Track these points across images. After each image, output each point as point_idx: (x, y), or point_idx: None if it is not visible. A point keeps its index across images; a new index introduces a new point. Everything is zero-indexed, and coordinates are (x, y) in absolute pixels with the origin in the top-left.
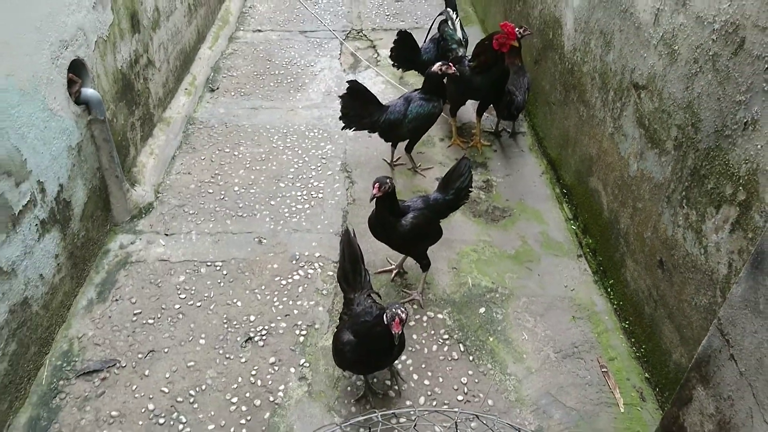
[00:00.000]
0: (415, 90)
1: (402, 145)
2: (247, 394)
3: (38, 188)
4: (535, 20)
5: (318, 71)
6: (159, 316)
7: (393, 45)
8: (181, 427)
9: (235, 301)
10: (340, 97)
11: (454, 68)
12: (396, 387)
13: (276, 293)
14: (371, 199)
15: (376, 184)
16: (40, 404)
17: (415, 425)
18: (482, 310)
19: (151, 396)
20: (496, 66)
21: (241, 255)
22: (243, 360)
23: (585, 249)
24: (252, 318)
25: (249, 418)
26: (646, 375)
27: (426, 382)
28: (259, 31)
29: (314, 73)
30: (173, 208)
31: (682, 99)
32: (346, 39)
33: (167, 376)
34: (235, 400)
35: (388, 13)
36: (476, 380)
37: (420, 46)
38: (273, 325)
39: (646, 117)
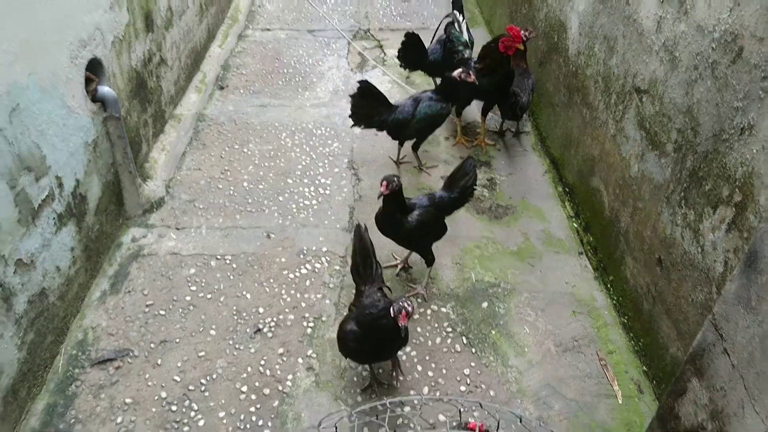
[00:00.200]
0: (425, 91)
1: (408, 144)
2: (257, 383)
3: (56, 183)
4: (541, 23)
5: (326, 70)
6: (170, 307)
7: (401, 46)
8: (192, 414)
9: (244, 293)
10: (350, 96)
11: (473, 77)
12: (395, 375)
13: (284, 286)
14: (379, 197)
15: (384, 182)
16: (57, 391)
17: (420, 413)
18: (485, 304)
19: (163, 384)
20: (501, 68)
21: (250, 249)
22: (252, 350)
23: (586, 246)
24: (261, 310)
25: (258, 406)
26: (644, 368)
27: (430, 373)
28: (268, 29)
29: (322, 72)
30: (184, 202)
31: (682, 104)
32: (353, 38)
33: (179, 365)
34: (245, 388)
35: (395, 13)
36: (478, 372)
37: (426, 47)
38: (281, 317)
39: (647, 120)
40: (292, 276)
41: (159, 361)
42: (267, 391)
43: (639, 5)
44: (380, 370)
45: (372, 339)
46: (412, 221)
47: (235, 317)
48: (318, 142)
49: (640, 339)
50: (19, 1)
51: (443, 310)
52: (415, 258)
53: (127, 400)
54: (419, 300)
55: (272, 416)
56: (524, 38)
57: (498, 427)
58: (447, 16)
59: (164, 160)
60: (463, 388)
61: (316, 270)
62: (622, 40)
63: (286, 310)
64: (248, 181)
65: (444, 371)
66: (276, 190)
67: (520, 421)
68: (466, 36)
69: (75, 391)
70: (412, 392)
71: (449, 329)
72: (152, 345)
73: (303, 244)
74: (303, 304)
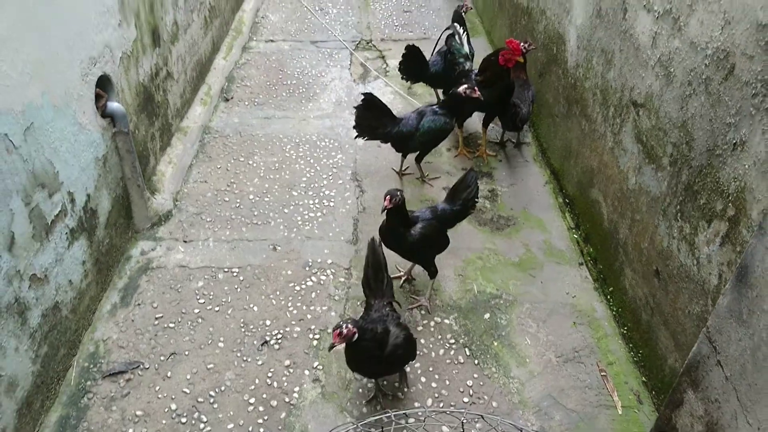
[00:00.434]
0: (429, 104)
1: (411, 155)
2: (264, 395)
3: (68, 198)
4: (540, 35)
5: (329, 81)
6: (179, 320)
7: (402, 58)
8: (202, 426)
9: (251, 306)
10: (354, 107)
11: (478, 93)
12: (400, 386)
13: (290, 298)
14: (383, 211)
15: (388, 197)
16: (70, 404)
17: (424, 425)
18: (487, 315)
19: (173, 396)
20: (501, 80)
21: (256, 261)
22: (260, 362)
23: (586, 257)
24: (268, 322)
25: (266, 417)
26: (643, 378)
27: (433, 384)
28: (272, 41)
29: (325, 83)
30: (191, 215)
31: (677, 118)
32: (356, 49)
33: (188, 377)
34: (252, 400)
35: (396, 24)
36: (481, 383)
37: (428, 58)
38: (288, 329)
39: (644, 133)
40: (298, 288)
41: (169, 374)
42: (274, 402)
43: (635, 21)
44: (384, 382)
45: (357, 353)
46: (415, 234)
47: (243, 329)
48: (322, 153)
49: (639, 350)
50: (34, 24)
51: (446, 321)
52: (418, 270)
53: (138, 412)
54: (423, 312)
55: (279, 428)
56: (524, 50)
57: None
58: (447, 28)
59: (171, 173)
60: (466, 400)
61: (322, 282)
62: (619, 54)
63: (293, 322)
64: (254, 193)
65: (447, 382)
66: (281, 203)
67: None
68: (466, 48)
69: (87, 404)
70: (416, 404)
71: (452, 341)
72: (162, 357)
73: (308, 257)
74: (309, 316)
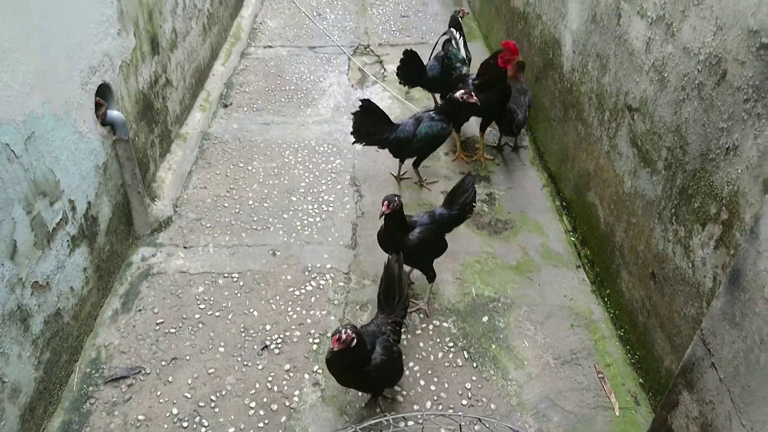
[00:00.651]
0: (427, 110)
1: (409, 160)
2: (265, 399)
3: (69, 206)
4: (536, 39)
5: (327, 87)
6: (180, 325)
7: (399, 64)
8: (203, 430)
9: (251, 311)
10: (352, 114)
11: (475, 98)
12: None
13: (290, 303)
14: (381, 216)
15: (385, 202)
16: (72, 409)
17: (422, 428)
18: (485, 318)
19: (174, 401)
20: (500, 83)
21: (256, 267)
22: (260, 367)
23: (583, 260)
24: (268, 327)
25: (267, 421)
26: (640, 380)
27: (432, 387)
28: (270, 47)
29: (323, 89)
30: (191, 221)
31: (671, 123)
32: (353, 54)
33: (189, 382)
34: (253, 404)
35: (394, 29)
36: (480, 385)
37: (425, 63)
38: (288, 333)
39: (639, 138)
40: (297, 293)
41: (170, 378)
42: (275, 406)
43: (629, 26)
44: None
45: (341, 363)
46: (413, 239)
47: (243, 334)
48: (321, 159)
49: (636, 352)
50: (35, 35)
51: (445, 324)
52: (417, 274)
53: (140, 417)
54: (421, 315)
55: (280, 431)
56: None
57: None
58: (444, 33)
59: (171, 179)
60: (464, 402)
61: (321, 287)
62: (614, 59)
63: (293, 326)
64: (253, 199)
65: (446, 385)
66: (280, 208)
67: None
68: (463, 53)
69: (89, 409)
70: (415, 407)
71: (451, 344)
72: (163, 362)
73: (308, 262)
74: (309, 321)
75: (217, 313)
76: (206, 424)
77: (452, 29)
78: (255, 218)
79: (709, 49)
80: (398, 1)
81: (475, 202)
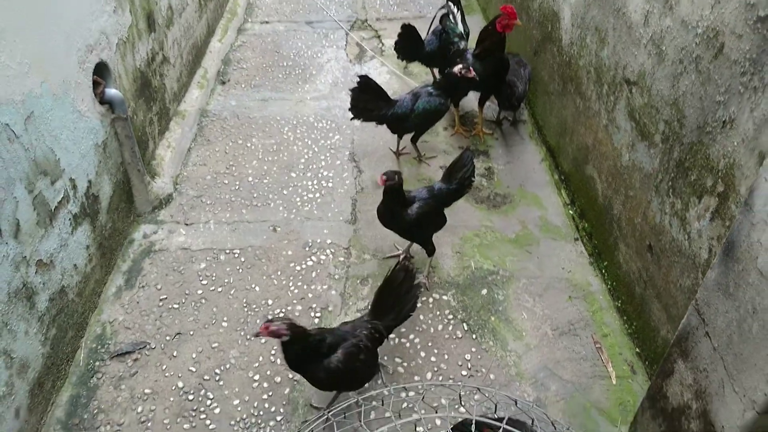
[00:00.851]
0: (425, 86)
1: (408, 136)
2: (268, 372)
3: (70, 185)
4: (535, 12)
5: (325, 62)
6: (183, 301)
7: (397, 38)
8: (209, 402)
9: (253, 286)
10: (350, 90)
11: (474, 73)
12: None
13: (291, 278)
14: (378, 187)
15: (383, 176)
16: (79, 383)
17: (423, 398)
18: (484, 291)
19: (180, 375)
20: (501, 50)
21: (257, 243)
22: (263, 341)
23: (581, 233)
24: (270, 302)
25: (270, 393)
26: (637, 350)
27: (432, 358)
28: (267, 22)
29: (321, 64)
30: (191, 198)
31: (669, 96)
32: (351, 29)
33: (194, 356)
34: (257, 377)
35: (391, 2)
36: (479, 356)
37: (423, 38)
38: (290, 308)
39: (636, 111)
40: (298, 268)
41: (175, 353)
42: (278, 379)
43: None
44: (385, 357)
45: (293, 355)
46: (412, 214)
47: (246, 309)
48: (319, 135)
49: (633, 322)
50: (32, 15)
51: (444, 298)
52: (417, 248)
53: (147, 391)
54: (421, 289)
55: (284, 403)
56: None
57: (496, 410)
58: (442, 7)
59: (170, 157)
60: (464, 373)
61: (322, 262)
62: (612, 32)
63: (294, 301)
64: (253, 175)
65: (446, 356)
66: (280, 184)
67: (516, 404)
68: (461, 27)
69: (96, 383)
70: (416, 377)
71: (450, 316)
72: (168, 337)
73: (308, 237)
74: (310, 295)
75: (220, 289)
76: (211, 396)
77: (450, 3)
78: (255, 195)
79: (706, 22)
80: None
81: (473, 177)
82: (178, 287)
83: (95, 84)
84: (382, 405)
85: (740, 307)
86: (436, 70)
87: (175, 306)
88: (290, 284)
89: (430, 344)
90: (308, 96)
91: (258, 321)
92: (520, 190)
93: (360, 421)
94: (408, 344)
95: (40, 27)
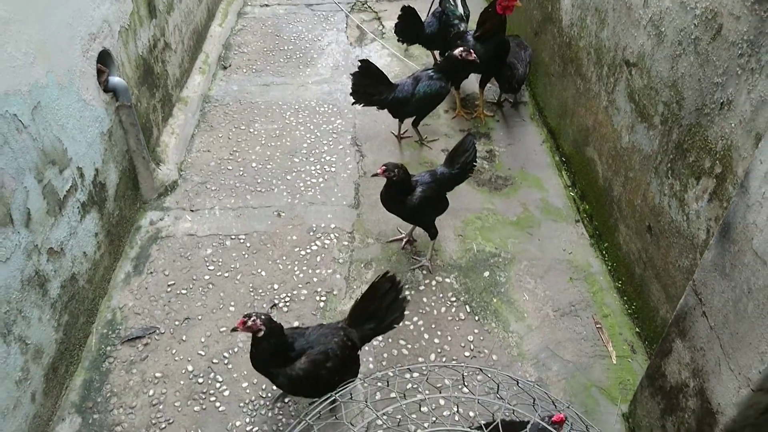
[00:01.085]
0: (426, 69)
1: (410, 119)
2: None
3: (78, 174)
4: None
5: (325, 45)
6: (191, 286)
7: (397, 20)
8: (218, 385)
9: (259, 271)
10: (351, 75)
11: (474, 56)
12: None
13: (296, 263)
14: (372, 175)
15: (383, 167)
16: (92, 368)
17: (426, 378)
18: (486, 273)
19: (189, 359)
20: (502, 31)
21: (262, 228)
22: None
23: (582, 214)
24: (276, 286)
25: None
26: (637, 330)
27: (436, 340)
28: (266, 5)
29: (322, 48)
30: (196, 185)
31: (668, 78)
32: (351, 11)
33: (202, 340)
34: None
35: None
36: (481, 338)
37: (423, 20)
38: (295, 292)
39: (636, 93)
40: (303, 253)
41: (184, 337)
42: None
43: None
44: (389, 340)
45: (259, 353)
46: (415, 199)
47: (252, 294)
48: (321, 119)
49: (633, 302)
50: (34, 5)
51: (447, 280)
52: (419, 232)
53: (157, 374)
54: (424, 272)
55: None
56: None
57: (498, 389)
58: None
59: (174, 143)
60: (467, 354)
61: (326, 246)
62: (612, 13)
63: (299, 285)
64: (256, 161)
65: (449, 338)
66: (283, 169)
67: (518, 384)
68: (461, 9)
69: (108, 367)
70: (420, 359)
71: (453, 299)
72: (176, 322)
73: (312, 222)
74: (315, 279)
75: (226, 274)
76: (221, 379)
77: None
78: (259, 180)
79: (705, 3)
80: None
81: (475, 162)
82: (185, 273)
83: (99, 72)
84: (387, 386)
85: (736, 287)
86: (436, 53)
87: (183, 291)
88: (295, 269)
89: (433, 326)
90: (310, 80)
91: (264, 305)
92: (522, 172)
93: (366, 401)
94: (412, 326)
95: (43, 16)
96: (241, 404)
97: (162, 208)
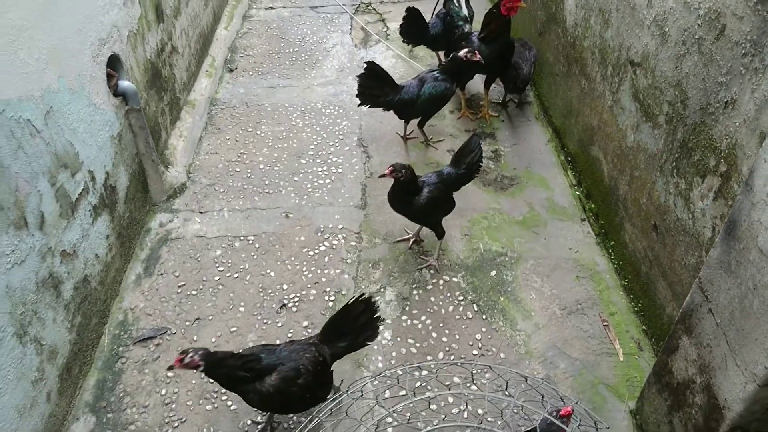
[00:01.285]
0: (431, 70)
1: (415, 120)
2: None
3: (89, 177)
4: None
5: (330, 47)
6: (201, 287)
7: (402, 22)
8: None
9: (268, 271)
10: (357, 76)
11: (479, 57)
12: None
13: (305, 263)
14: (379, 176)
15: (390, 168)
16: (105, 368)
17: (436, 376)
18: (493, 272)
19: None
20: (507, 32)
21: (270, 229)
22: (279, 324)
23: (588, 213)
24: (285, 286)
25: None
26: (643, 327)
27: (444, 339)
28: (271, 8)
29: (327, 50)
30: (204, 187)
31: (672, 77)
32: (355, 13)
33: (213, 340)
34: None
35: None
36: (489, 336)
37: (427, 21)
38: (304, 292)
39: (641, 92)
40: (311, 253)
41: (195, 337)
42: None
43: None
44: (398, 338)
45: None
46: (422, 199)
47: (262, 294)
48: (327, 121)
49: (639, 300)
50: (46, 12)
51: (454, 279)
52: (426, 232)
53: (169, 374)
54: (432, 271)
55: None
56: None
57: (507, 387)
58: None
59: (183, 146)
60: (475, 352)
61: (334, 246)
62: (616, 13)
63: (308, 285)
64: (264, 163)
65: (457, 337)
66: (291, 171)
67: (527, 381)
68: (465, 10)
69: (121, 368)
70: (428, 357)
71: (461, 297)
72: (187, 323)
73: (320, 223)
74: (323, 279)
75: (236, 275)
76: None
77: None
78: (266, 182)
79: (708, 3)
80: None
81: (481, 162)
82: (195, 274)
83: (109, 77)
84: (398, 383)
85: (742, 284)
86: (441, 54)
87: (194, 292)
88: (304, 269)
89: (441, 325)
90: (315, 82)
91: (273, 306)
92: (527, 171)
93: (376, 399)
94: (420, 325)
95: (53, 22)
96: None
97: (171, 210)
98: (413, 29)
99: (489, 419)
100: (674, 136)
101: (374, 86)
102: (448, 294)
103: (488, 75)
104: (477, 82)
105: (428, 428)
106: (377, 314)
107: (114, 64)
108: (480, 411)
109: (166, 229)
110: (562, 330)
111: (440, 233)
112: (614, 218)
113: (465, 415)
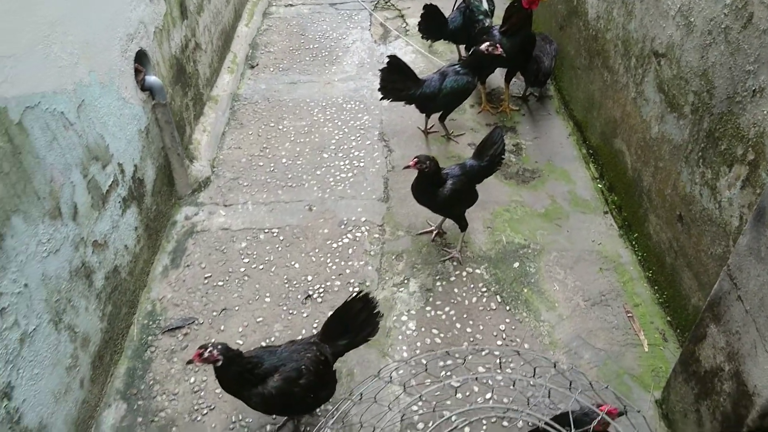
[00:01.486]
0: (452, 64)
1: (436, 114)
2: None
3: (119, 169)
4: None
5: (350, 43)
6: (227, 278)
7: (420, 18)
8: None
9: (293, 263)
10: (380, 71)
11: (501, 50)
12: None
13: (329, 255)
14: (403, 168)
15: (415, 159)
16: (135, 357)
17: (464, 363)
18: (516, 264)
19: None
20: (527, 26)
21: (294, 222)
22: (305, 315)
23: (611, 206)
24: (309, 278)
25: None
26: (668, 318)
27: (468, 329)
28: (291, 5)
29: (347, 46)
30: (228, 180)
31: (698, 67)
32: (374, 9)
33: (240, 330)
34: None
35: None
36: (513, 327)
37: (447, 15)
38: (329, 283)
39: (665, 83)
40: (335, 245)
41: (222, 327)
42: None
43: None
44: (422, 329)
45: (227, 379)
46: (445, 191)
47: (287, 285)
48: (349, 116)
49: (663, 291)
50: (77, 8)
51: (477, 271)
52: (449, 224)
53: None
54: (455, 263)
55: None
56: None
57: (534, 374)
58: None
59: (206, 140)
60: (499, 343)
61: (357, 239)
62: (640, 4)
63: (333, 277)
64: (286, 157)
65: (481, 327)
66: (313, 165)
67: (555, 367)
68: (485, 5)
69: (150, 356)
70: (453, 348)
71: (484, 289)
72: (214, 313)
73: (343, 215)
74: (347, 271)
75: (261, 267)
76: None
77: None
78: (289, 175)
79: None
80: None
81: (504, 154)
82: (221, 266)
83: (136, 71)
84: (426, 371)
85: None
86: (462, 48)
87: (220, 283)
88: (328, 261)
89: (465, 316)
90: (336, 78)
91: (299, 296)
92: (549, 165)
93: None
94: (444, 316)
95: (85, 18)
96: None
97: (196, 203)
98: (432, 25)
99: (515, 408)
100: (700, 125)
101: (396, 80)
102: (472, 285)
103: (509, 69)
104: (497, 77)
105: (456, 411)
106: (376, 310)
107: (141, 59)
108: (505, 400)
109: (192, 221)
110: (586, 321)
111: (463, 225)
112: (638, 210)
113: (491, 404)
